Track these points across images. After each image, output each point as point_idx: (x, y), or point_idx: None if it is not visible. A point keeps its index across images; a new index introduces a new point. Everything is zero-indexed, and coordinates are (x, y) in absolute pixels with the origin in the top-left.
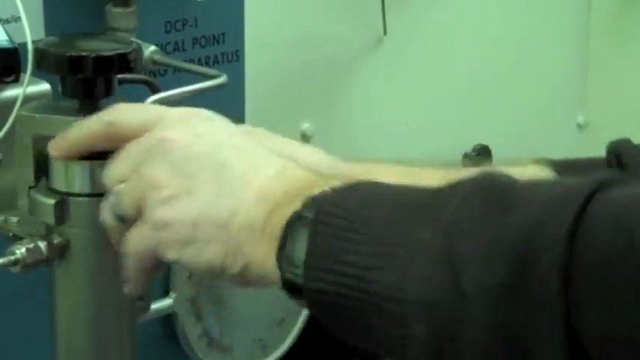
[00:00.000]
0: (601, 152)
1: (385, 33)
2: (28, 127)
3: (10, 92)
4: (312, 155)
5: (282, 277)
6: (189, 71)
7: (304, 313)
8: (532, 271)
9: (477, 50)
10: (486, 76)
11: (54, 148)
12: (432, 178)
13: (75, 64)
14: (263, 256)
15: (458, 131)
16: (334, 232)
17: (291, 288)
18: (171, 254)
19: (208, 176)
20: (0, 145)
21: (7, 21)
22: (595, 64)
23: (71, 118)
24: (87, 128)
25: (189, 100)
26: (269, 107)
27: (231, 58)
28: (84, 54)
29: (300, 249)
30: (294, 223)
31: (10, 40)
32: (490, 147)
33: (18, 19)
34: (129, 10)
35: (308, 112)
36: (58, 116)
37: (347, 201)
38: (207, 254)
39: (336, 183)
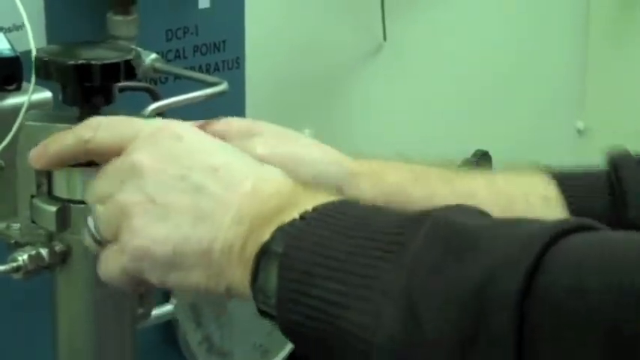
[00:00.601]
0: (600, 157)
1: (385, 39)
2: (31, 136)
3: (12, 100)
4: (313, 153)
5: (257, 307)
6: (190, 79)
7: None
8: (484, 331)
9: (476, 56)
10: (485, 82)
11: (34, 159)
12: (440, 180)
13: (77, 72)
14: (241, 280)
15: (458, 137)
16: (302, 267)
17: (266, 316)
18: (154, 279)
19: (182, 202)
20: (2, 153)
21: (9, 29)
22: (594, 68)
23: (72, 127)
24: (64, 143)
25: (191, 107)
26: (269, 114)
27: (232, 66)
28: (86, 62)
29: (271, 282)
30: (264, 255)
31: (12, 48)
32: (490, 152)
33: (19, 27)
34: (130, 18)
35: (308, 118)
36: (60, 125)
37: (314, 234)
38: (191, 279)
39: (307, 204)
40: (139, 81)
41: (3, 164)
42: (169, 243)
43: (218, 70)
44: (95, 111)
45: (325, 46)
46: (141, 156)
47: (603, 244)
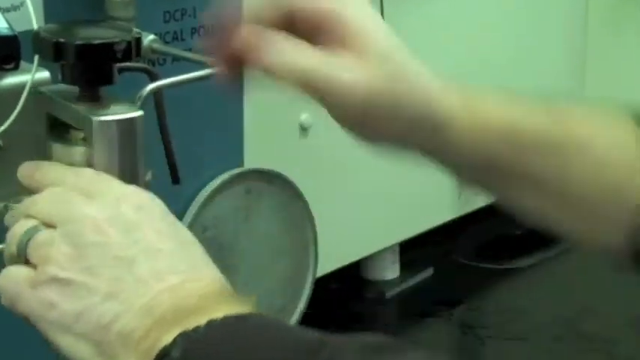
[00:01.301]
0: None
1: None
2: (41, 105)
3: (10, 80)
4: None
5: None
6: (187, 59)
7: (304, 299)
8: None
9: (475, 43)
10: (484, 69)
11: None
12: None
13: (77, 52)
14: None
15: None
16: None
17: None
18: (47, 334)
19: (109, 273)
20: (1, 133)
21: (7, 9)
22: (593, 56)
23: (79, 108)
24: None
25: (189, 88)
26: (267, 98)
27: None
28: (86, 42)
29: None
30: (163, 358)
31: (10, 27)
32: None
33: (17, 7)
34: None
35: (306, 103)
36: (72, 105)
37: (210, 347)
38: (79, 349)
39: (220, 312)
40: (137, 62)
41: (1, 143)
42: (79, 306)
43: None
44: (95, 91)
45: None
46: (98, 213)
47: None
